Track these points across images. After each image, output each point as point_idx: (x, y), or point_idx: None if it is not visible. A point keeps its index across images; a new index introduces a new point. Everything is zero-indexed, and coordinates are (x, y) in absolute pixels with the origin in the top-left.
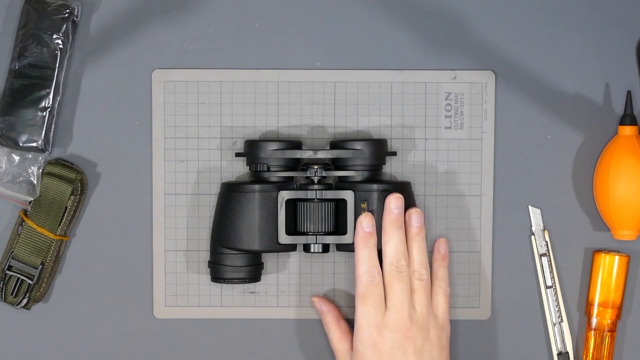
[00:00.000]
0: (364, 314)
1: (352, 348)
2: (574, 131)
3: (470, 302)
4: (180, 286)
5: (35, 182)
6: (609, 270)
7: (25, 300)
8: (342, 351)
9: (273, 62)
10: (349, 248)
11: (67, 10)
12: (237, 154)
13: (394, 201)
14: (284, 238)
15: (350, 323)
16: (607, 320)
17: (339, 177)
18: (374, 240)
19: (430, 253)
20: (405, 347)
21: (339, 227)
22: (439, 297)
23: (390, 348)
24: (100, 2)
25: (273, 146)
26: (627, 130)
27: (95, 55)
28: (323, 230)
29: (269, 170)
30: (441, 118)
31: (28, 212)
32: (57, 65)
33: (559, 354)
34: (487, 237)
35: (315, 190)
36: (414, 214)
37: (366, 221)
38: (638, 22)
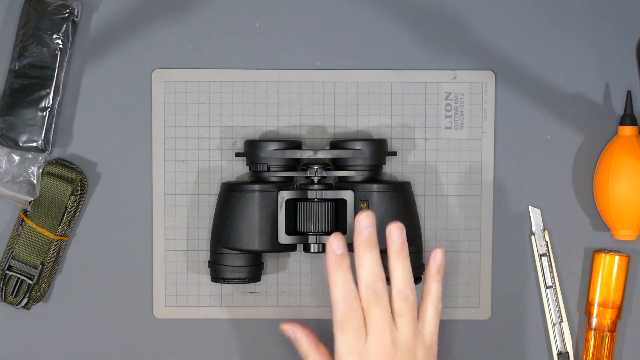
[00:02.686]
0: (344, 342)
1: None
2: (574, 131)
3: (470, 302)
4: (180, 286)
5: (35, 182)
6: (609, 270)
7: (25, 300)
8: None
9: (273, 62)
10: (349, 248)
11: (67, 10)
12: (237, 154)
13: (364, 220)
14: (284, 238)
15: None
16: (607, 320)
17: (339, 177)
18: (346, 262)
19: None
20: None
21: (339, 227)
22: (429, 315)
23: None
24: (100, 2)
25: (273, 146)
26: (627, 130)
27: (95, 55)
28: (323, 230)
29: (269, 170)
30: (441, 118)
31: (28, 212)
32: (57, 65)
33: (559, 354)
34: (487, 237)
35: (315, 190)
36: (394, 230)
37: (336, 242)
38: (638, 22)
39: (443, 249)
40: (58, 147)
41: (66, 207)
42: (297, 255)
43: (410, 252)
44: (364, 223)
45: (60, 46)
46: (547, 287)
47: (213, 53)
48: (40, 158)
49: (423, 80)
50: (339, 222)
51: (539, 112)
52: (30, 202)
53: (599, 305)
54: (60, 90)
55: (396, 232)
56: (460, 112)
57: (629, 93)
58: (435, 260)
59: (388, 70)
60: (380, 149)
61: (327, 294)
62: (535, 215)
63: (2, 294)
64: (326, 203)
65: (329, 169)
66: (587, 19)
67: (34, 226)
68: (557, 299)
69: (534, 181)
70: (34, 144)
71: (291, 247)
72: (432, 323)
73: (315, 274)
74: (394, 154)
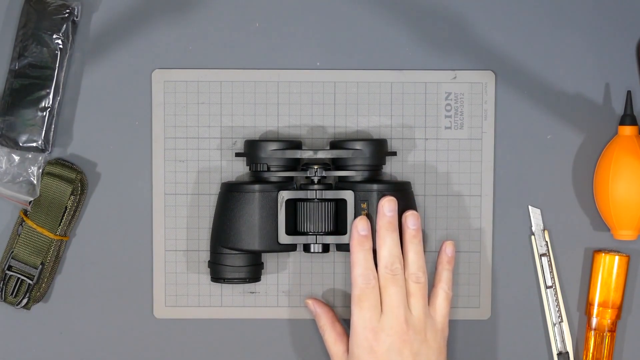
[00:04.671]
0: (360, 317)
1: (347, 350)
2: (574, 131)
3: (470, 302)
4: (180, 286)
5: (35, 182)
6: (609, 270)
7: (25, 300)
8: (337, 353)
9: (273, 62)
10: (349, 248)
11: (67, 10)
12: (237, 154)
13: (387, 204)
14: (284, 238)
15: (347, 324)
16: (607, 320)
17: (339, 177)
18: (369, 243)
19: (437, 254)
20: (401, 350)
21: (339, 227)
22: (440, 300)
23: (386, 351)
24: (100, 2)
25: (273, 146)
26: (627, 130)
27: (95, 55)
28: (323, 230)
29: (269, 170)
30: (441, 118)
31: (28, 212)
32: (57, 65)
33: (559, 354)
34: (487, 237)
35: (315, 190)
36: (410, 217)
37: (361, 224)
38: (638, 22)
39: (453, 242)
40: (58, 147)
41: (66, 207)
42: (297, 255)
43: None
44: (387, 207)
45: (60, 46)
46: (547, 287)
47: (213, 53)
48: (40, 158)
49: (423, 80)
50: (339, 222)
51: (539, 112)
52: (30, 202)
53: (599, 305)
54: (60, 90)
55: (411, 219)
56: (460, 112)
57: (629, 93)
58: (445, 252)
59: (388, 70)
60: (380, 149)
61: (326, 294)
62: (535, 215)
63: (2, 294)
64: (326, 203)
65: (329, 169)
66: (587, 19)
67: (34, 226)
68: (557, 299)
69: (534, 181)
70: (34, 144)
71: (291, 247)
72: (443, 307)
73: (315, 274)
74: (394, 154)
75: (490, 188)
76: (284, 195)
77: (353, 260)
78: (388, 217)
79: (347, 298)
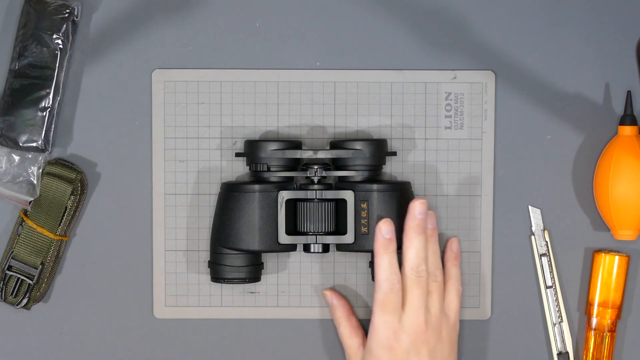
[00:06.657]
0: (382, 319)
1: (362, 344)
2: (574, 131)
3: (470, 302)
4: (180, 286)
5: (35, 182)
6: (609, 270)
7: (25, 300)
8: (352, 346)
9: (273, 62)
10: (349, 248)
11: (67, 10)
12: (237, 154)
13: (419, 207)
14: (284, 238)
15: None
16: (607, 320)
17: (339, 177)
18: (393, 246)
19: (442, 252)
20: (420, 349)
21: (339, 227)
22: (452, 296)
23: (405, 350)
24: (100, 2)
25: (273, 146)
26: (627, 130)
27: (95, 55)
28: (323, 230)
29: (269, 170)
30: (441, 118)
31: (28, 212)
32: (57, 65)
33: (559, 354)
34: (487, 237)
35: (315, 190)
36: (428, 217)
37: (386, 227)
38: (638, 22)
39: (457, 238)
40: (58, 147)
41: (66, 207)
42: (297, 255)
43: None
44: (418, 209)
45: (60, 46)
46: (547, 287)
47: (213, 53)
48: (40, 158)
49: (423, 80)
50: (339, 222)
51: (539, 112)
52: (30, 202)
53: (599, 305)
54: (60, 90)
55: (429, 219)
56: (460, 112)
57: (629, 93)
58: (451, 249)
59: (388, 70)
60: (380, 149)
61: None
62: (535, 215)
63: (2, 294)
64: (326, 203)
65: (329, 169)
66: (587, 19)
67: (34, 226)
68: (557, 299)
69: (534, 181)
70: (34, 144)
71: (291, 247)
72: (455, 303)
73: (315, 274)
74: (394, 154)
75: (490, 188)
76: (284, 195)
77: (377, 264)
78: (418, 220)
79: (347, 298)
